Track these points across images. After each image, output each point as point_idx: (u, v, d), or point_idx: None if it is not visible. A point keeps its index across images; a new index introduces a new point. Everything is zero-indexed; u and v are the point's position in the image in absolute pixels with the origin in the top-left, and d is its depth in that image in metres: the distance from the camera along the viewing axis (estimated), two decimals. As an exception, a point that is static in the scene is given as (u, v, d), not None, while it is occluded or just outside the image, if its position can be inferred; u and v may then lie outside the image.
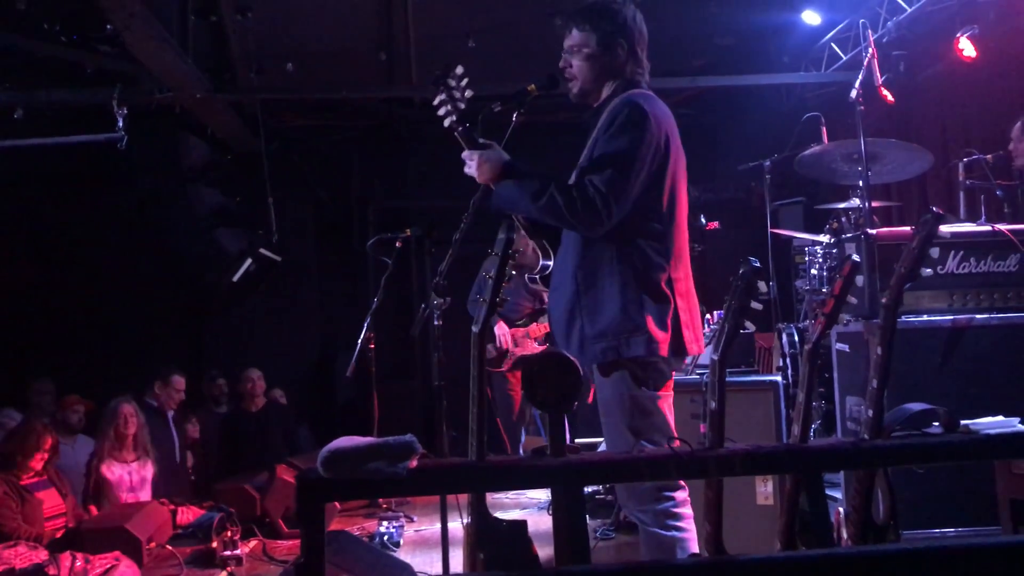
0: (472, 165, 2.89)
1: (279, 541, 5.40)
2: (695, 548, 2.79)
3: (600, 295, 2.82)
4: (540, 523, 5.10)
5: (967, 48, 5.58)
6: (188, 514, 5.62)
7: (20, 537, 4.75)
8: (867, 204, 4.50)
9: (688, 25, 6.88)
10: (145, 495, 5.80)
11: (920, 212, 6.09)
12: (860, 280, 2.35)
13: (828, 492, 2.60)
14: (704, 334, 4.82)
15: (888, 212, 6.36)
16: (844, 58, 6.91)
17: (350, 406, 8.37)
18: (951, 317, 3.83)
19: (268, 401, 7.22)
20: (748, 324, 2.27)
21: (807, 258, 5.45)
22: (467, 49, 6.99)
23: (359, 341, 5.69)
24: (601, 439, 5.05)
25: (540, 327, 6.66)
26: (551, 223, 2.90)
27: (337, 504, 5.79)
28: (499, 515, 2.45)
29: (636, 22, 2.99)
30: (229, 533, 5.01)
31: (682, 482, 2.82)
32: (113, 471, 5.73)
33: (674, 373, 2.95)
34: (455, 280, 3.89)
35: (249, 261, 7.38)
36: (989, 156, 4.67)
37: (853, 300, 2.34)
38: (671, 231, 2.88)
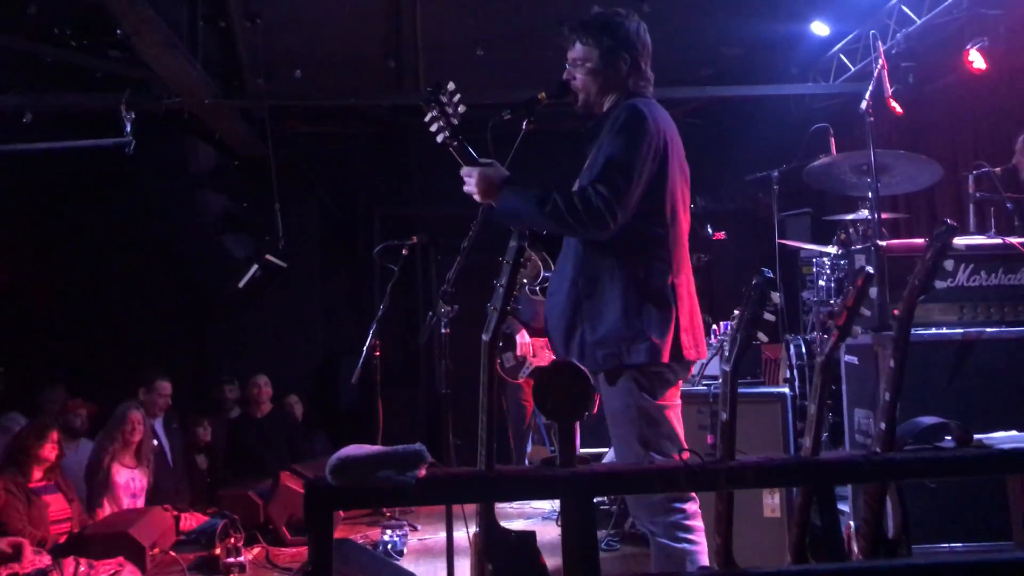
0: (471, 182, 2.89)
1: (282, 548, 5.38)
2: (705, 560, 2.77)
3: (601, 302, 2.81)
4: (545, 533, 5.07)
5: (977, 60, 5.57)
6: (191, 520, 5.60)
7: (25, 538, 4.75)
8: (876, 216, 4.49)
9: (696, 35, 6.88)
10: (142, 502, 5.79)
11: (929, 224, 6.12)
12: (874, 292, 2.32)
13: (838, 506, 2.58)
14: (710, 344, 4.81)
15: (896, 224, 6.34)
16: (853, 69, 6.90)
17: (354, 413, 8.35)
18: (961, 330, 3.81)
19: (274, 407, 7.20)
20: (760, 336, 2.25)
21: (815, 269, 5.44)
22: (475, 57, 7.00)
23: (364, 348, 5.68)
24: (606, 449, 5.05)
25: None
26: (556, 231, 2.91)
27: (341, 512, 5.77)
28: (504, 524, 2.44)
29: (640, 35, 3.00)
30: (232, 540, 4.99)
31: (693, 494, 2.80)
32: (121, 475, 5.73)
33: (680, 382, 2.94)
34: (463, 288, 3.89)
35: (255, 267, 7.37)
36: (998, 168, 4.64)
37: (866, 312, 2.32)
38: (672, 235, 2.88)
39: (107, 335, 8.18)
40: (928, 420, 2.45)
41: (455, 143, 2.83)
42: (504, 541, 2.36)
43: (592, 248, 2.85)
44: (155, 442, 6.25)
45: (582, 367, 2.34)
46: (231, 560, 4.86)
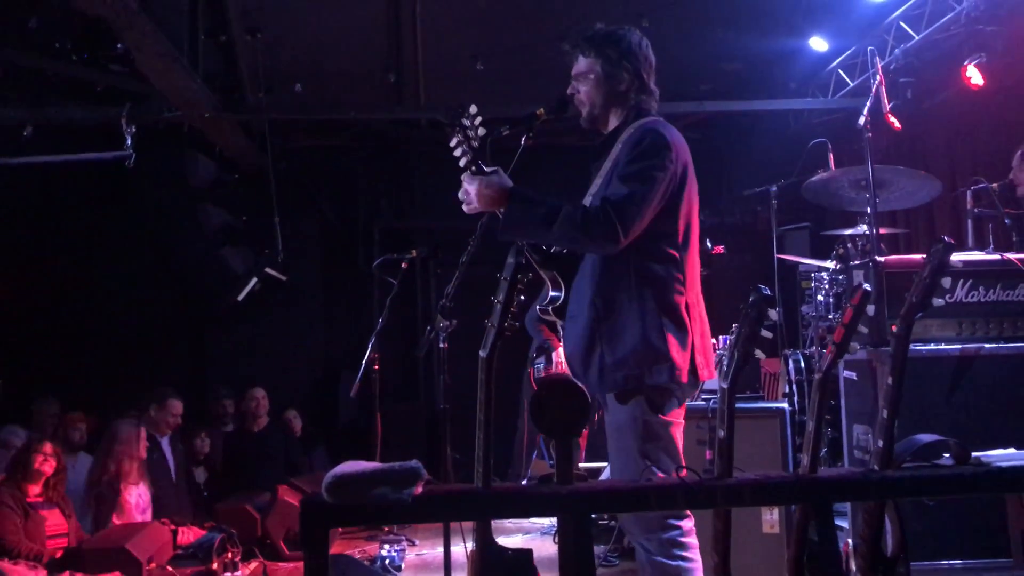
0: (471, 192, 2.82)
1: (280, 563, 5.37)
2: None
3: (620, 323, 2.80)
4: (543, 549, 5.06)
5: (975, 76, 5.59)
6: (189, 534, 5.57)
7: (21, 553, 4.73)
8: (874, 231, 4.49)
9: (695, 50, 6.91)
10: (148, 517, 5.76)
11: (927, 240, 6.13)
12: (871, 310, 2.32)
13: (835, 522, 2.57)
14: (710, 359, 4.80)
15: (895, 239, 6.35)
16: (851, 84, 6.92)
17: (353, 427, 8.33)
18: (959, 346, 3.81)
19: (272, 421, 7.19)
20: (758, 352, 2.25)
21: (813, 284, 5.44)
22: (475, 72, 7.02)
23: (363, 361, 5.68)
24: (605, 464, 5.04)
25: None
26: (563, 245, 2.90)
27: (337, 528, 5.76)
28: (501, 540, 2.43)
29: (642, 48, 3.01)
30: (230, 554, 4.99)
31: (688, 511, 2.79)
32: (131, 493, 5.69)
33: (685, 402, 2.94)
34: (461, 302, 3.89)
35: (255, 280, 7.37)
36: (996, 184, 4.65)
37: (864, 329, 2.32)
38: (686, 257, 2.89)
39: (106, 347, 8.18)
40: (926, 437, 2.45)
41: (473, 168, 2.82)
42: (501, 559, 2.35)
43: (609, 270, 2.85)
44: (160, 458, 6.24)
45: (578, 384, 2.34)
46: (228, 574, 4.85)
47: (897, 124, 5.06)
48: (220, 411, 7.37)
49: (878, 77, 4.71)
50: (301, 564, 5.34)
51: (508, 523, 6.05)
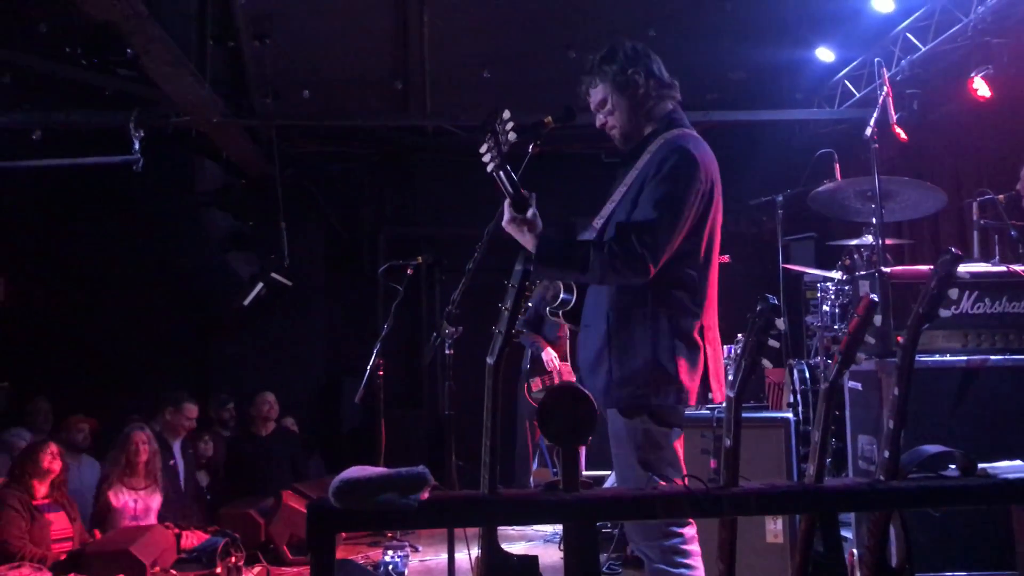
0: (506, 213, 2.85)
1: (283, 568, 5.37)
2: None
3: (631, 338, 2.80)
4: (547, 556, 5.05)
5: (981, 88, 5.59)
6: (193, 538, 5.57)
7: (25, 558, 4.74)
8: (880, 242, 4.49)
9: (701, 60, 6.91)
10: (148, 523, 5.74)
11: (933, 251, 6.12)
12: (878, 320, 2.33)
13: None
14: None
15: (900, 250, 6.35)
16: (857, 95, 6.92)
17: (357, 433, 8.34)
18: (965, 358, 3.80)
19: (277, 426, 7.19)
20: (765, 362, 2.26)
21: (819, 294, 5.44)
22: (482, 79, 7.04)
23: (368, 367, 5.68)
24: (609, 472, 5.03)
25: None
26: (595, 283, 2.89)
27: (342, 533, 5.75)
28: (505, 547, 2.43)
29: (639, 50, 3.00)
30: (233, 559, 4.99)
31: (691, 519, 2.79)
32: (119, 497, 5.67)
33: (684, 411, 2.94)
34: (467, 309, 3.89)
35: (260, 285, 7.39)
36: (1002, 196, 4.65)
37: (871, 340, 2.32)
38: (705, 278, 2.87)
39: (112, 351, 8.19)
40: (932, 448, 2.45)
41: (501, 172, 2.82)
42: (506, 565, 2.35)
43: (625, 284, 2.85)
44: (171, 462, 6.25)
45: (585, 391, 2.34)
46: (231, 579, 4.85)
47: (903, 135, 5.06)
48: (222, 416, 7.38)
49: (885, 88, 4.71)
50: (304, 569, 5.37)
51: (512, 530, 6.05)
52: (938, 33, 5.88)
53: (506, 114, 2.78)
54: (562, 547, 3.77)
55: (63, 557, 5.01)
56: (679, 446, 2.86)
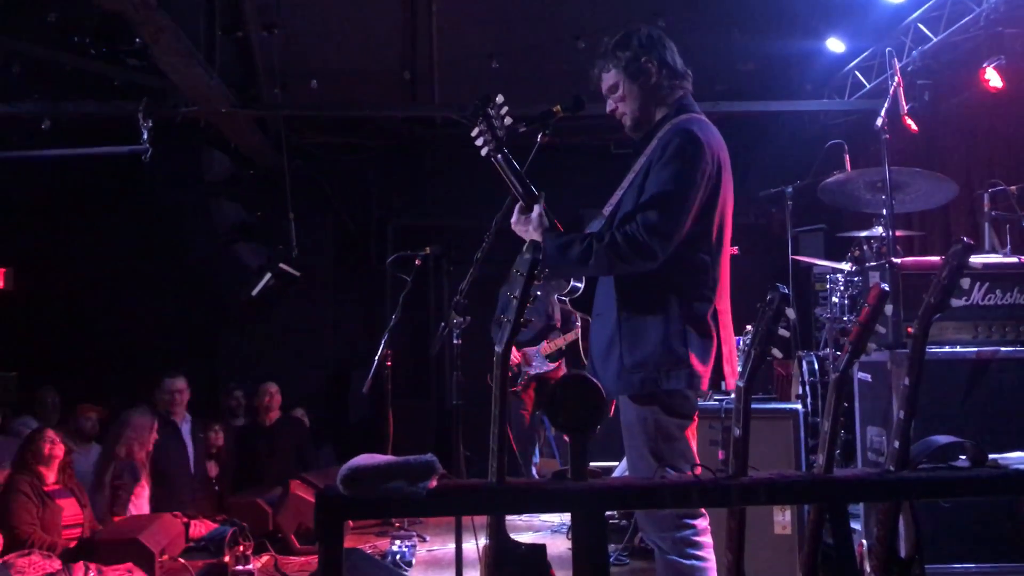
0: (518, 225, 2.91)
1: (291, 557, 5.38)
2: None
3: (642, 324, 2.78)
4: (554, 547, 5.05)
5: (993, 79, 5.55)
6: (201, 527, 5.60)
7: (35, 545, 4.76)
8: (891, 233, 4.47)
9: (711, 51, 6.89)
10: (147, 509, 5.78)
11: (943, 242, 6.09)
12: (889, 310, 2.31)
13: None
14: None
15: (911, 241, 6.32)
16: (868, 86, 6.89)
17: (364, 423, 8.35)
18: (976, 349, 3.79)
19: (282, 416, 7.21)
20: (775, 351, 2.24)
21: (828, 286, 5.42)
22: (490, 70, 7.02)
23: (376, 358, 5.68)
24: (616, 463, 5.04)
25: (550, 344, 6.70)
26: (607, 274, 2.87)
27: (350, 521, 5.77)
28: (512, 537, 2.43)
29: (654, 37, 2.98)
30: (241, 548, 4.99)
31: (703, 510, 2.78)
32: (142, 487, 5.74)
33: (697, 400, 2.93)
34: (475, 299, 3.89)
35: (268, 276, 7.39)
36: (1013, 188, 4.62)
37: (881, 329, 2.31)
38: (717, 262, 2.85)
39: (120, 341, 8.22)
40: (943, 439, 2.44)
41: (499, 156, 2.82)
42: (514, 554, 2.35)
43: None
44: (184, 444, 6.30)
45: (594, 380, 2.34)
46: (240, 568, 4.86)
47: (914, 126, 5.04)
48: (232, 404, 7.39)
49: (896, 79, 4.68)
50: (312, 558, 5.39)
51: (519, 521, 6.05)
52: (950, 23, 5.84)
53: (499, 99, 2.78)
54: (570, 536, 3.75)
55: (72, 544, 5.04)
56: (692, 436, 2.85)
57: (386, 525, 6.09)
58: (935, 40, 5.97)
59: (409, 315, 6.51)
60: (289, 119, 7.71)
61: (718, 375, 2.80)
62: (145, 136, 5.99)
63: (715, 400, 4.40)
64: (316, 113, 8.01)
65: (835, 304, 5.29)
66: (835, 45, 6.77)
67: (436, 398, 8.85)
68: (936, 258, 3.60)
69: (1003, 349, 3.78)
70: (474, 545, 4.11)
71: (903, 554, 2.47)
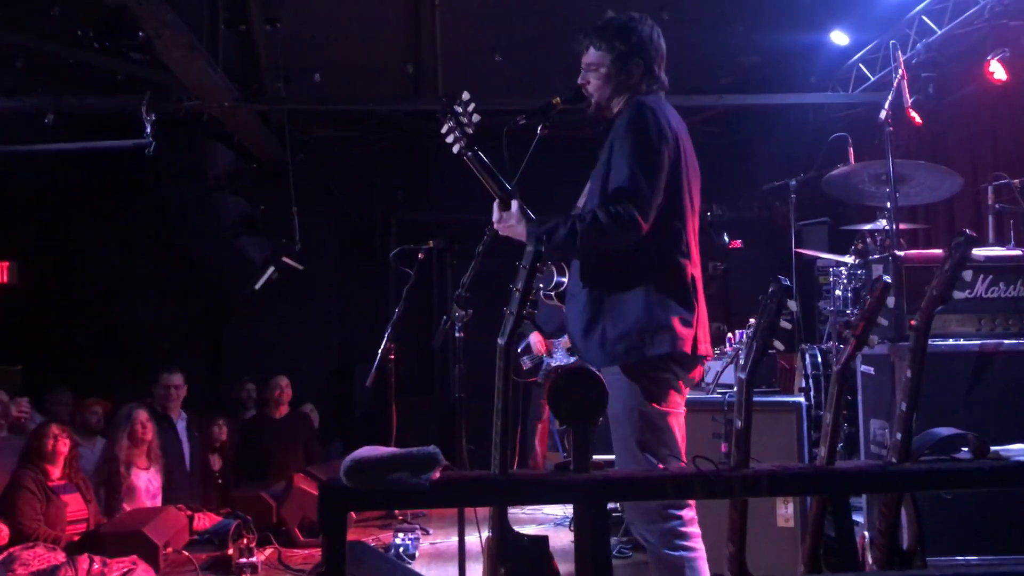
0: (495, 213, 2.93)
1: (295, 550, 5.40)
2: (705, 568, 2.76)
3: (624, 297, 2.82)
4: (556, 539, 5.05)
5: (998, 71, 5.53)
6: (205, 520, 5.62)
7: (39, 539, 4.78)
8: (894, 226, 4.46)
9: (715, 43, 6.88)
10: (158, 502, 5.81)
11: (947, 235, 6.07)
12: (891, 302, 2.31)
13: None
14: (726, 353, 4.80)
15: (915, 234, 6.31)
16: (872, 79, 6.87)
17: (368, 417, 8.36)
18: (979, 342, 3.78)
19: (291, 411, 7.23)
20: (777, 344, 2.25)
21: (831, 279, 5.41)
22: (493, 63, 7.02)
23: (379, 352, 5.69)
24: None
25: None
26: (593, 252, 2.89)
27: (352, 514, 5.78)
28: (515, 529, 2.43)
29: (653, 40, 3.02)
30: (245, 540, 5.01)
31: (689, 501, 2.79)
32: (140, 478, 5.75)
33: (686, 390, 2.94)
34: (477, 293, 3.89)
35: (272, 269, 7.41)
36: (1017, 180, 4.62)
37: (884, 322, 2.31)
38: (689, 229, 2.91)
39: (124, 335, 8.24)
40: (945, 431, 2.44)
41: (469, 154, 2.84)
42: (517, 545, 2.36)
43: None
44: (179, 440, 6.30)
45: (597, 372, 2.34)
46: (243, 560, 4.88)
47: (918, 119, 5.02)
48: (243, 396, 7.41)
49: (900, 71, 4.67)
50: (315, 551, 5.40)
51: (522, 514, 6.06)
52: (954, 16, 5.82)
53: (465, 95, 2.80)
54: (572, 528, 3.75)
55: (76, 538, 5.06)
56: (678, 427, 2.86)
57: (389, 518, 6.11)
58: (939, 33, 5.95)
59: (412, 309, 6.52)
60: (292, 113, 7.71)
61: (694, 339, 2.84)
62: (148, 130, 6.01)
63: (718, 393, 4.41)
64: (319, 107, 8.01)
65: (838, 297, 5.28)
66: (839, 38, 6.75)
67: (439, 391, 8.86)
68: (939, 251, 3.60)
69: (1006, 342, 3.77)
70: (477, 538, 4.12)
71: (905, 546, 2.47)
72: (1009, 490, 2.95)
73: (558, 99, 3.03)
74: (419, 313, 8.76)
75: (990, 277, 3.87)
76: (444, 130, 2.81)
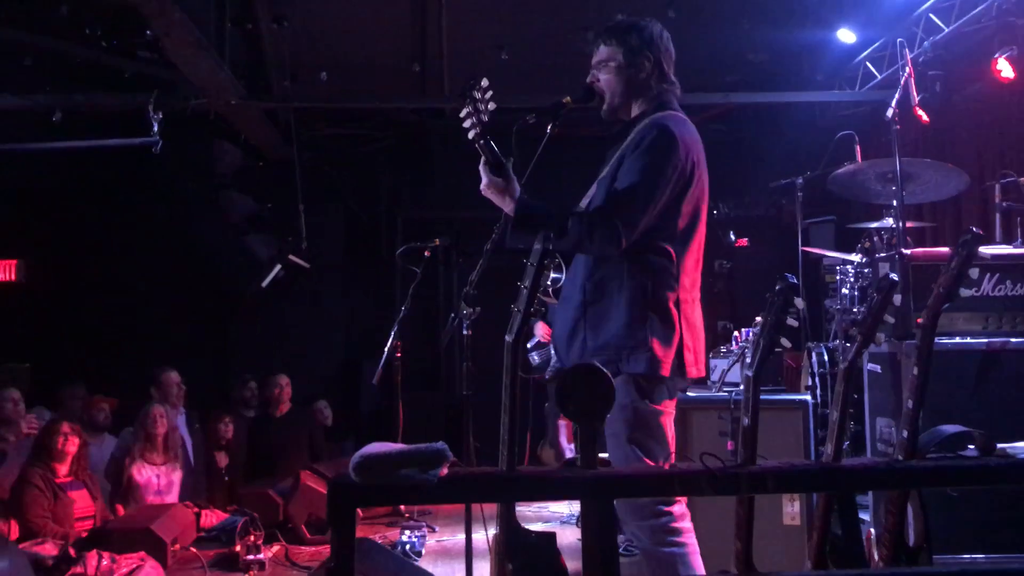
0: (484, 179, 2.89)
1: (302, 547, 5.41)
2: (698, 562, 2.76)
3: (606, 309, 2.84)
4: (563, 537, 5.06)
5: (1005, 69, 5.52)
6: (212, 517, 5.64)
7: (47, 535, 4.80)
8: (901, 224, 4.46)
9: (721, 41, 6.87)
10: (172, 498, 5.82)
11: (954, 234, 6.07)
12: (898, 299, 2.32)
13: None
14: (732, 351, 4.80)
15: (921, 233, 6.30)
16: (879, 77, 6.86)
17: (375, 414, 8.38)
18: (985, 340, 3.78)
19: (294, 407, 7.24)
20: (784, 341, 2.25)
21: (838, 277, 5.41)
22: (500, 61, 7.02)
23: (386, 349, 5.70)
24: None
25: None
26: (571, 252, 2.94)
27: (360, 511, 5.80)
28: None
29: (663, 39, 3.04)
30: (252, 538, 5.02)
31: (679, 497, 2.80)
32: (143, 473, 5.76)
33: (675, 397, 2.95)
34: (485, 290, 3.90)
35: (279, 267, 7.42)
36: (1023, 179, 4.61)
37: (890, 320, 2.31)
38: (684, 254, 2.90)
39: (131, 332, 8.27)
40: (951, 428, 2.44)
41: (482, 142, 2.84)
42: (525, 541, 2.37)
43: (604, 257, 2.88)
44: (182, 437, 6.31)
45: (604, 370, 2.35)
46: (251, 557, 4.89)
47: (925, 117, 5.02)
48: (245, 395, 7.43)
49: (907, 69, 4.66)
50: (322, 548, 5.41)
51: (528, 511, 6.07)
52: (962, 14, 5.81)
53: (484, 82, 2.79)
54: (579, 525, 3.77)
55: (84, 534, 5.09)
56: (669, 426, 2.88)
57: (396, 515, 6.12)
58: (947, 31, 5.94)
59: (419, 306, 6.53)
60: (299, 111, 7.72)
61: (679, 362, 2.83)
62: (156, 128, 6.05)
63: (724, 391, 4.41)
64: (326, 105, 8.02)
65: (845, 295, 5.28)
66: (846, 36, 6.74)
67: (446, 389, 8.87)
68: (946, 249, 3.60)
69: (1013, 340, 3.77)
70: (484, 536, 4.13)
71: (911, 543, 2.47)
72: (1015, 488, 2.95)
73: (568, 98, 3.04)
74: (426, 311, 8.77)
75: (997, 275, 3.87)
76: (463, 114, 2.80)
